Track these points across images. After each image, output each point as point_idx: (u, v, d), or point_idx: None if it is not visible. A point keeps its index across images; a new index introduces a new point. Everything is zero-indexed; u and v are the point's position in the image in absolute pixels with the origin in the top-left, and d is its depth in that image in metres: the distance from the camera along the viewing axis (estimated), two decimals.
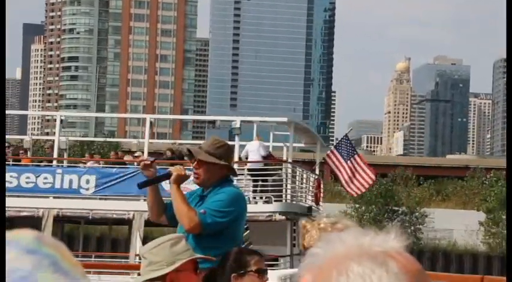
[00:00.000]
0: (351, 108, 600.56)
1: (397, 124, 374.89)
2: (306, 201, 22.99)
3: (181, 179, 5.21)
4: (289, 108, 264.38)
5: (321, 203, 23.81)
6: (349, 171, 19.32)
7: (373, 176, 19.69)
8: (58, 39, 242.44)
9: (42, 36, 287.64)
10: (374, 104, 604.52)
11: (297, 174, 22.85)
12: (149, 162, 5.34)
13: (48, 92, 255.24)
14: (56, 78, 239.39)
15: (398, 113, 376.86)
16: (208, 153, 5.22)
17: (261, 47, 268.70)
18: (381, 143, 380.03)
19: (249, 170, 21.15)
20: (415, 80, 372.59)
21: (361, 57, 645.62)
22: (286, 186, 21.35)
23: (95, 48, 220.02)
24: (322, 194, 23.20)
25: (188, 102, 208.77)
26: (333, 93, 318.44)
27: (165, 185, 5.99)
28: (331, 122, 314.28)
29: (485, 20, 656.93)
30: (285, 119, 23.95)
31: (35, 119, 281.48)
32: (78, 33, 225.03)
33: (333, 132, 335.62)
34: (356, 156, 19.65)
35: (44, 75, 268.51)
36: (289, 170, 21.60)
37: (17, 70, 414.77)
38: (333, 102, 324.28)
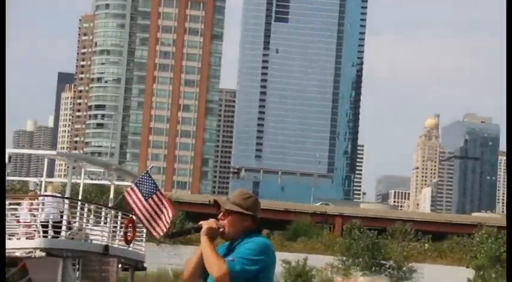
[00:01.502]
0: (379, 163, 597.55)
1: (425, 180, 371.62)
2: (111, 240, 21.99)
3: (212, 232, 5.25)
4: (314, 160, 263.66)
5: (136, 243, 22.81)
6: (150, 210, 18.91)
7: (170, 215, 19.17)
8: (87, 88, 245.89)
9: (72, 85, 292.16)
10: (402, 160, 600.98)
11: (86, 211, 22.13)
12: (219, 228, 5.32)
13: (75, 139, 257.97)
14: (83, 125, 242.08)
15: (426, 169, 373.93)
16: (235, 204, 5.31)
17: (288, 100, 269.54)
18: (408, 199, 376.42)
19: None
20: (444, 137, 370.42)
21: (390, 112, 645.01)
22: (54, 222, 20.45)
23: (122, 96, 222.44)
24: (134, 234, 22.15)
25: (209, 152, 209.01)
26: (360, 147, 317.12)
27: None
28: (357, 176, 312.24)
29: None
30: (54, 152, 24.00)
31: (61, 165, 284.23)
32: (106, 82, 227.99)
33: (359, 186, 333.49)
34: (158, 193, 19.22)
35: (72, 122, 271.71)
36: (66, 206, 20.80)
37: (50, 118, 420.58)
38: (360, 156, 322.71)
